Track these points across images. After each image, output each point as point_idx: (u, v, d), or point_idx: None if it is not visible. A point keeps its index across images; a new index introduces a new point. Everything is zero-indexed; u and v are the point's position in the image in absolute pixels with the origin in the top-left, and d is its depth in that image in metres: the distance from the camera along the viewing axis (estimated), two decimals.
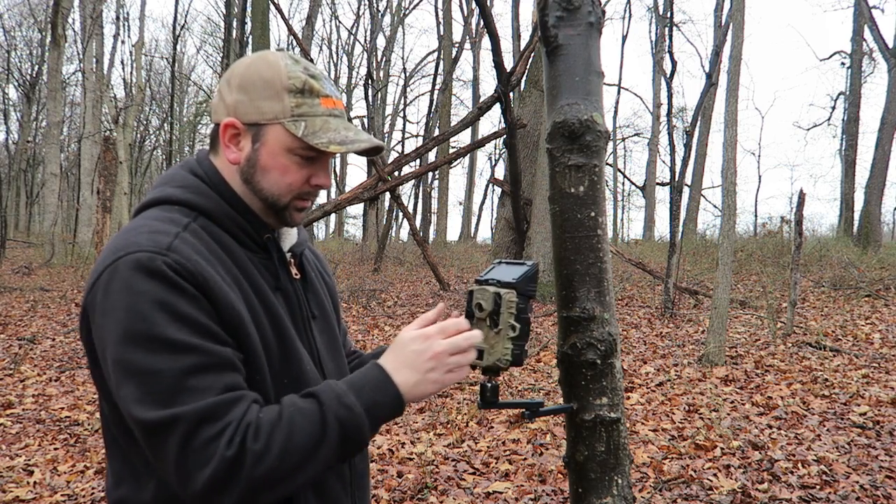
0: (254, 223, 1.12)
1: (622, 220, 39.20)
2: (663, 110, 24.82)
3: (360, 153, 1.13)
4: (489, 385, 1.18)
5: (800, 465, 3.76)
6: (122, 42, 26.25)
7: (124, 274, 0.95)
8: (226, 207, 1.10)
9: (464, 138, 29.45)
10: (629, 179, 35.40)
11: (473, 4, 20.39)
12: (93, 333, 0.99)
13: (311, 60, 14.56)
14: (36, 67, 28.88)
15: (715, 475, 3.66)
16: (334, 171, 30.91)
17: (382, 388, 1.02)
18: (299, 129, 1.07)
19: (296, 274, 1.20)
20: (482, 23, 13.05)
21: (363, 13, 29.56)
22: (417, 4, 28.39)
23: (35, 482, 3.79)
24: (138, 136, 29.72)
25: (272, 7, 11.97)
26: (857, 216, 18.42)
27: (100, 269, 0.99)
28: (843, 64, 23.28)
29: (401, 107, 33.80)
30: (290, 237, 1.22)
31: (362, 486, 1.25)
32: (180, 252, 0.99)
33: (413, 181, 17.56)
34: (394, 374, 1.03)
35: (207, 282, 0.99)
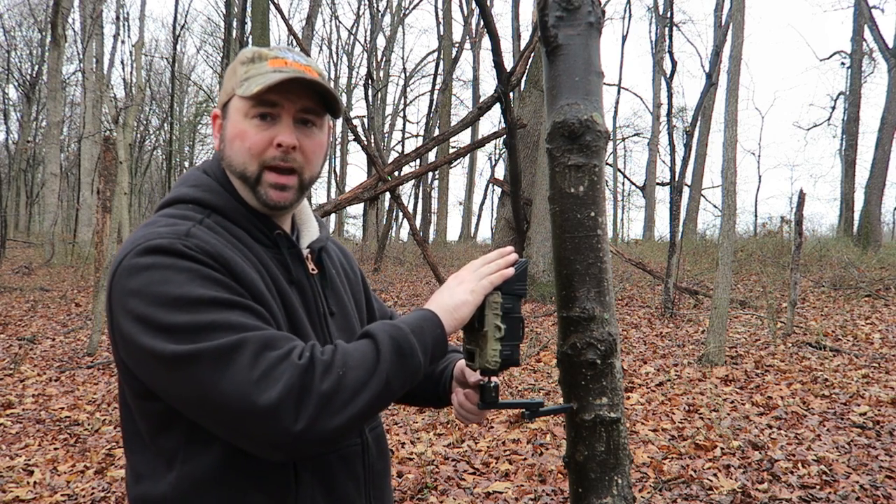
0: (262, 217, 1.14)
1: (622, 220, 39.21)
2: (663, 110, 24.81)
3: (290, 86, 1.08)
4: (489, 385, 1.18)
5: (800, 465, 3.76)
6: (122, 42, 26.22)
7: (147, 258, 0.97)
8: (235, 203, 1.12)
9: (464, 138, 29.47)
10: (629, 179, 35.38)
11: (473, 4, 20.38)
12: (117, 319, 0.98)
13: None
14: (36, 67, 28.83)
15: (715, 475, 3.66)
16: (334, 171, 30.88)
17: (422, 315, 1.07)
18: (241, 89, 1.09)
19: (313, 269, 1.19)
20: (482, 23, 13.04)
21: (363, 13, 29.56)
22: (417, 4, 28.36)
23: (35, 482, 3.79)
24: (138, 136, 29.65)
25: (272, 7, 11.97)
26: (857, 216, 18.40)
27: (119, 259, 1.01)
28: (843, 64, 23.29)
29: (401, 107, 33.77)
30: (310, 233, 1.23)
31: (379, 486, 1.21)
32: (199, 237, 1.01)
33: (413, 181, 17.56)
34: (430, 304, 1.10)
35: (228, 262, 1.01)
